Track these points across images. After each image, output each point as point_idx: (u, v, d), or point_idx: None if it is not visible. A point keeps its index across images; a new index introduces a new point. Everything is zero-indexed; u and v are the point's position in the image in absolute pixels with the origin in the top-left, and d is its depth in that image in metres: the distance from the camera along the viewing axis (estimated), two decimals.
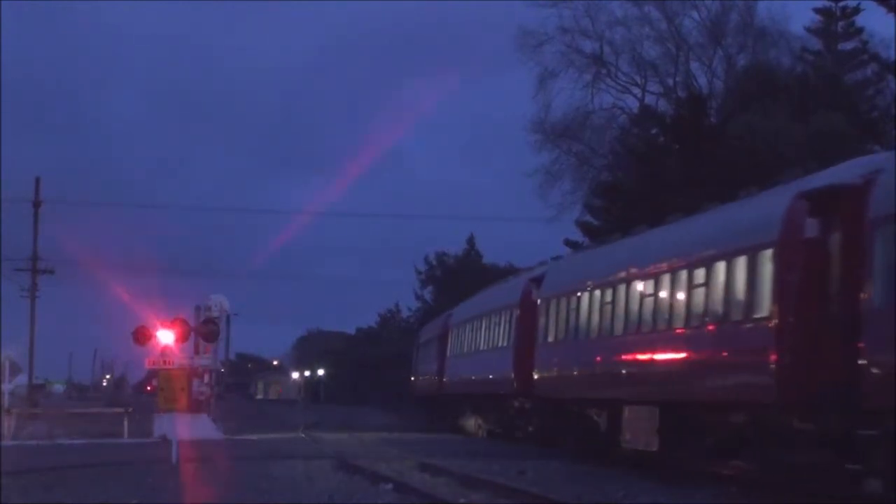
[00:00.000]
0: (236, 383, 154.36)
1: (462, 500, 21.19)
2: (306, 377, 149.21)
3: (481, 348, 45.12)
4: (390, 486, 23.38)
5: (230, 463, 30.26)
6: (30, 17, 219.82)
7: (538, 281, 37.76)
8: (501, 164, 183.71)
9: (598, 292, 30.91)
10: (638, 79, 71.87)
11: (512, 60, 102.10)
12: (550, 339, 34.64)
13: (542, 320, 35.50)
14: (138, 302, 46.10)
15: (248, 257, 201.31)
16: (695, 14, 70.61)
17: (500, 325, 41.99)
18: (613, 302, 29.65)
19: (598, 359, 30.63)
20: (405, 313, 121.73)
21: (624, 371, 28.82)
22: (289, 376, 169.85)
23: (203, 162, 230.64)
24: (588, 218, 64.38)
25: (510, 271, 67.09)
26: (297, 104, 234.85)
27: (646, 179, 54.25)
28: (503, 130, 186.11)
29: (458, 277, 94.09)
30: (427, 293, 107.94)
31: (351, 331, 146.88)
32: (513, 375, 38.98)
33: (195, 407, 43.81)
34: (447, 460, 29.48)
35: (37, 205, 69.28)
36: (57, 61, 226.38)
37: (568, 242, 61.96)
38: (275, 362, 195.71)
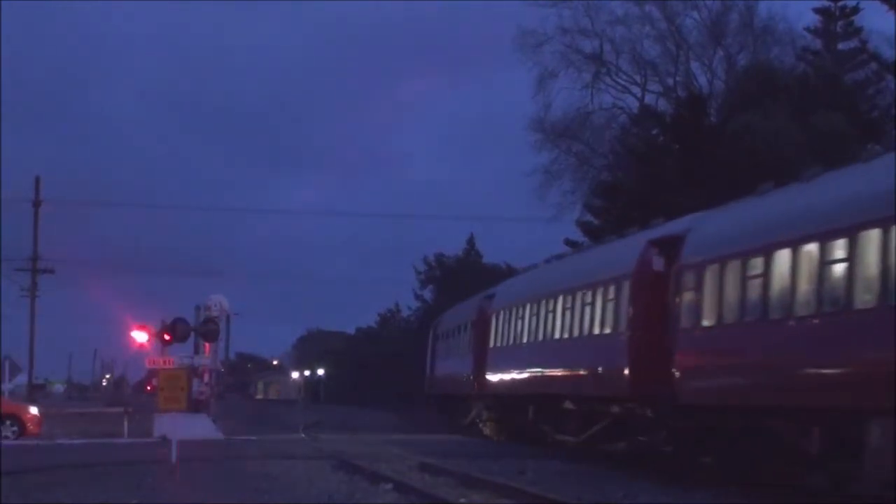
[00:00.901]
0: (236, 383, 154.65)
1: (462, 500, 21.18)
2: (306, 377, 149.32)
3: (558, 337, 34.04)
4: (390, 486, 23.37)
5: (230, 463, 30.25)
6: (29, 17, 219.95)
7: (667, 244, 27.76)
8: (501, 164, 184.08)
9: (811, 248, 20.96)
10: (638, 78, 72.00)
11: (512, 60, 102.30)
12: (709, 322, 24.60)
13: (688, 296, 25.49)
14: (138, 302, 46.21)
15: (248, 257, 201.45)
16: (695, 14, 70.78)
17: (595, 304, 31.02)
18: (852, 258, 19.65)
19: (824, 348, 20.62)
20: (405, 313, 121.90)
21: (885, 366, 18.43)
22: (289, 376, 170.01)
23: (203, 162, 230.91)
24: (588, 218, 64.39)
25: (509, 272, 67.00)
26: (296, 104, 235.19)
27: (646, 179, 54.26)
28: (503, 130, 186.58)
29: (458, 277, 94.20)
30: (427, 293, 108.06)
31: (351, 331, 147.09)
32: (627, 372, 28.35)
33: (195, 407, 43.82)
34: (447, 460, 29.46)
35: (37, 205, 69.40)
36: (56, 61, 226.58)
37: (568, 242, 61.97)
38: (275, 362, 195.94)
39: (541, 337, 35.94)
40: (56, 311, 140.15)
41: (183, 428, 34.82)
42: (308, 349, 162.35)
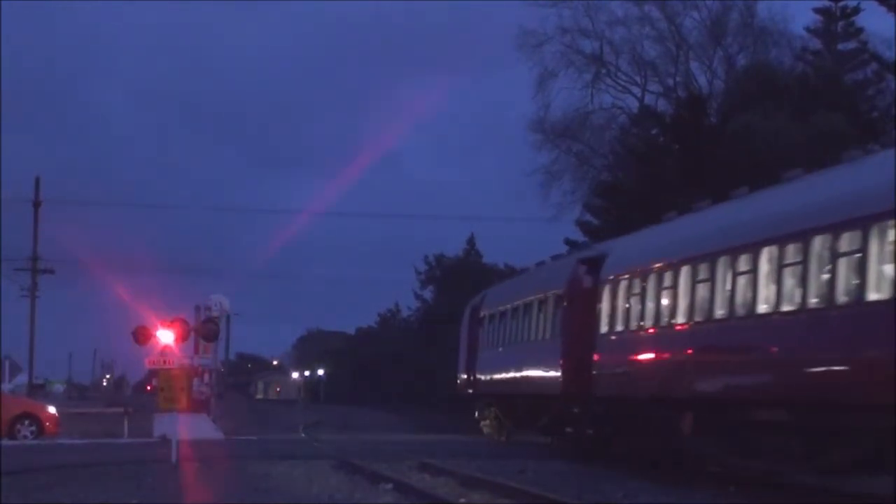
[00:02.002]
0: (236, 383, 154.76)
1: (462, 500, 21.17)
2: (306, 377, 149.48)
3: (764, 311, 22.48)
4: (390, 486, 23.36)
5: (230, 463, 30.25)
6: (27, 17, 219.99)
7: None
8: (501, 164, 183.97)
9: None
10: (638, 78, 72.01)
11: (511, 60, 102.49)
12: None
13: None
14: (138, 302, 46.14)
15: (248, 257, 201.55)
16: (695, 14, 70.78)
17: (867, 252, 19.40)
18: None
19: None
20: (405, 313, 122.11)
21: None
22: (289, 376, 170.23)
23: (203, 162, 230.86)
24: (588, 217, 64.47)
25: (509, 272, 66.99)
26: (296, 104, 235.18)
27: (646, 179, 54.33)
28: (503, 130, 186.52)
29: (458, 277, 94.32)
30: (427, 293, 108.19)
31: (351, 331, 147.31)
32: None
33: (195, 407, 43.81)
34: (447, 460, 29.44)
35: (37, 205, 69.41)
36: (55, 61, 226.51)
37: (568, 242, 62.03)
38: (275, 362, 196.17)
39: (720, 313, 24.24)
40: (56, 311, 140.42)
41: (183, 428, 34.83)
42: (308, 349, 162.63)
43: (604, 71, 71.88)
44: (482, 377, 43.36)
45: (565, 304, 33.38)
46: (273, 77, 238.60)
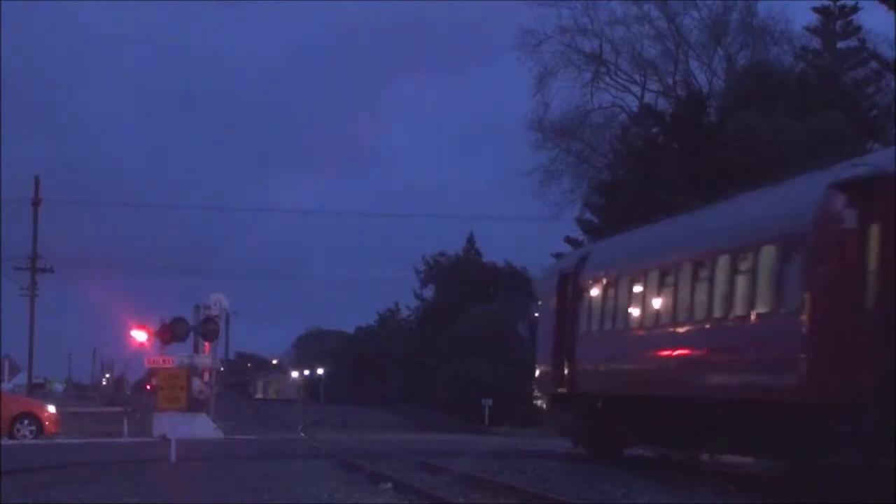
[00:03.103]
0: (236, 383, 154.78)
1: (462, 500, 21.13)
2: (306, 376, 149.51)
3: None
4: (390, 485, 23.33)
5: (230, 463, 30.23)
6: (26, 18, 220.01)
7: None
8: (500, 163, 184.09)
9: None
10: (637, 77, 72.11)
11: (511, 59, 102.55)
12: None
13: None
14: (138, 302, 46.09)
15: (248, 257, 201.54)
16: (695, 13, 70.87)
17: None
18: None
19: None
20: (405, 313, 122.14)
21: None
22: (288, 375, 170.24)
23: (203, 162, 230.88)
24: (588, 216, 64.47)
25: (511, 272, 67.05)
26: (295, 103, 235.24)
27: (645, 178, 54.32)
28: (503, 129, 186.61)
29: (458, 277, 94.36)
30: (427, 293, 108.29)
31: (350, 330, 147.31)
32: None
33: (195, 406, 43.82)
34: (447, 460, 29.42)
35: (36, 204, 69.39)
36: (54, 61, 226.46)
37: (568, 240, 62.01)
38: (274, 361, 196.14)
39: None
40: (56, 310, 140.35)
41: (182, 427, 34.81)
42: (308, 348, 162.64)
43: (603, 70, 72.00)
44: (589, 367, 31.16)
45: (806, 256, 20.83)
46: (273, 77, 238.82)
